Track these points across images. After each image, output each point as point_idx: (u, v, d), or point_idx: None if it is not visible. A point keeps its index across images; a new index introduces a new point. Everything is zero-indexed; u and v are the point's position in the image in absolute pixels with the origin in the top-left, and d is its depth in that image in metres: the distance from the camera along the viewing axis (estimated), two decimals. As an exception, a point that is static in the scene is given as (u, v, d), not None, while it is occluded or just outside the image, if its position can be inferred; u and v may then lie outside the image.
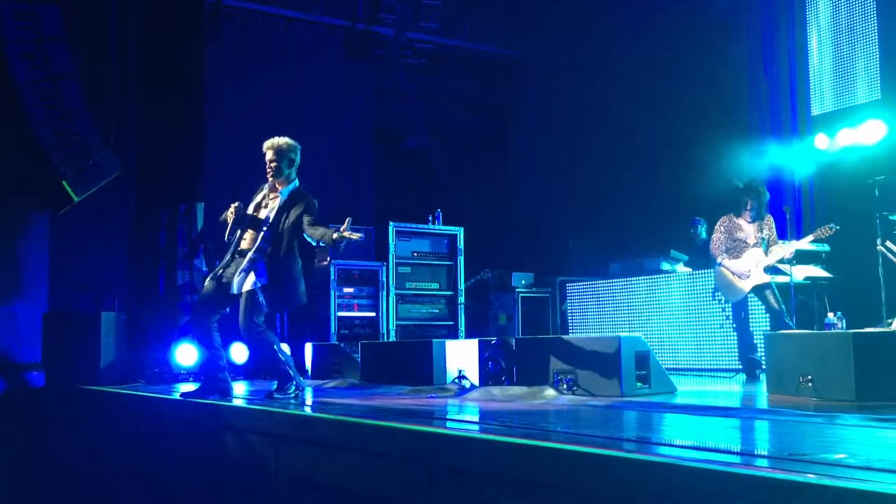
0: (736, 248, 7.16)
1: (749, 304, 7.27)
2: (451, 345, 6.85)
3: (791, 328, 6.71)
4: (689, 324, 8.41)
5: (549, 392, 5.37)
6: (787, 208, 7.65)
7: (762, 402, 5.34)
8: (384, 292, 9.55)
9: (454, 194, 11.90)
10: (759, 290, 7.02)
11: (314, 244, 5.58)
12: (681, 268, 9.13)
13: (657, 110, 10.20)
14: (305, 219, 5.53)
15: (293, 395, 5.54)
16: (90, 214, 8.64)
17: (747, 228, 7.18)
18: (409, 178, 12.40)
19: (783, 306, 6.96)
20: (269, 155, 5.68)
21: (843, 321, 6.72)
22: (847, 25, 9.12)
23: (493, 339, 6.42)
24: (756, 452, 3.10)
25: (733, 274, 7.10)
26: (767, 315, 7.13)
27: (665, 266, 9.16)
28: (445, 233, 9.91)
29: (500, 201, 12.74)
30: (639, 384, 5.41)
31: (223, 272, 5.60)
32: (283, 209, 5.60)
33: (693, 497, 2.46)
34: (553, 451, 2.97)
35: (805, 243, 7.22)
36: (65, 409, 7.26)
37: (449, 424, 4.06)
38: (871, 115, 8.58)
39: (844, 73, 9.12)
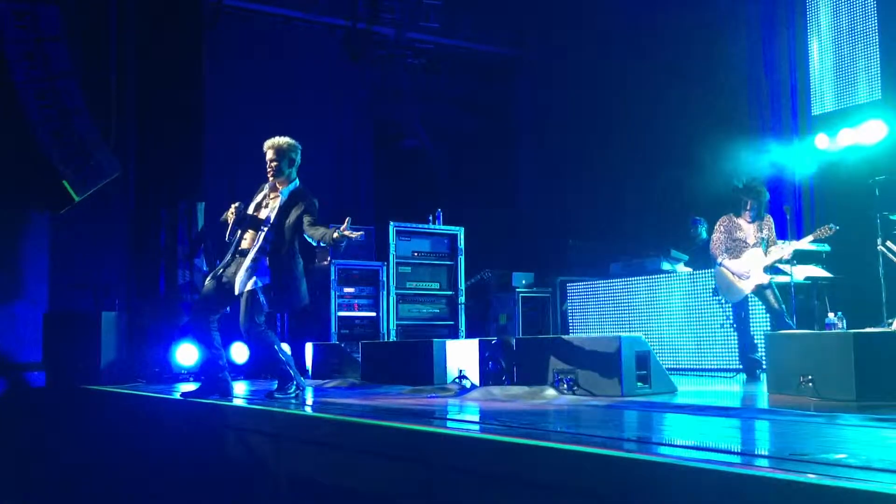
0: (736, 248, 7.15)
1: (749, 303, 7.27)
2: (451, 345, 6.84)
3: (791, 328, 6.71)
4: (689, 324, 8.41)
5: (550, 392, 5.37)
6: (787, 208, 7.64)
7: (762, 402, 5.35)
8: (384, 292, 9.54)
9: (454, 194, 11.89)
10: (759, 290, 7.02)
11: (314, 244, 5.57)
12: (681, 268, 9.13)
13: (657, 110, 10.18)
14: (306, 219, 5.52)
15: (293, 394, 5.54)
16: (90, 214, 8.63)
17: (747, 228, 7.17)
18: (408, 178, 12.40)
19: (783, 306, 6.96)
20: (269, 154, 5.67)
21: (844, 321, 6.71)
22: (847, 25, 9.12)
23: (494, 339, 6.42)
24: (756, 452, 3.10)
25: (733, 274, 7.09)
26: (768, 315, 7.13)
27: (665, 266, 9.15)
28: (446, 233, 9.90)
29: (500, 201, 12.73)
30: (639, 384, 5.41)
31: (223, 272, 5.60)
32: (284, 209, 5.59)
33: (693, 497, 2.46)
34: (553, 451, 2.97)
35: (805, 243, 7.21)
36: (65, 409, 7.27)
37: (449, 424, 4.06)
38: (871, 115, 8.57)
39: (845, 73, 9.11)
